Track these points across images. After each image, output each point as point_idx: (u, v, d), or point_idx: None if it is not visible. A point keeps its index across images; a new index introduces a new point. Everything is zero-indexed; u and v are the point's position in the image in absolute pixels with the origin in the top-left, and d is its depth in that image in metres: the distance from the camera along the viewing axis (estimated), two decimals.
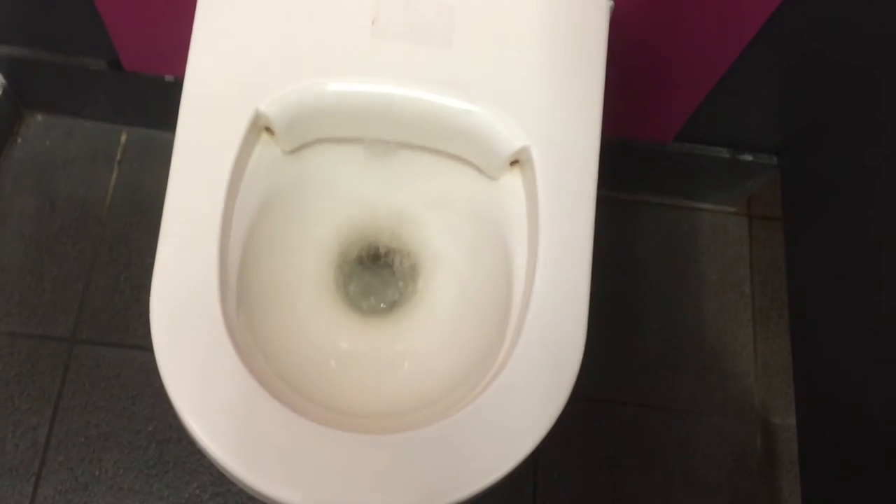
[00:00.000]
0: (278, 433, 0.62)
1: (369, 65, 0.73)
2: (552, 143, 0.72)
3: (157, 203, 0.68)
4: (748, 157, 1.11)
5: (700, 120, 1.03)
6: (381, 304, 0.85)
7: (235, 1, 0.74)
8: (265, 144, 0.75)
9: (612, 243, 1.19)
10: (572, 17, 0.76)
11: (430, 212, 0.82)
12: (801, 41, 0.90)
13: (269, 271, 0.76)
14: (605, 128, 0.74)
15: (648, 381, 1.13)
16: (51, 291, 1.09)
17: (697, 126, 1.04)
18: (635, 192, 1.22)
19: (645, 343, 1.15)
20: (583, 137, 0.73)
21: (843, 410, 0.93)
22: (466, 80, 0.73)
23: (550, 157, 0.72)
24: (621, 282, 1.17)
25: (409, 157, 0.79)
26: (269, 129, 0.74)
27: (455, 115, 0.73)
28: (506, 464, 0.62)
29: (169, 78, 1.05)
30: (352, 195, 0.82)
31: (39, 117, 1.18)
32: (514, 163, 0.75)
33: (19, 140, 1.17)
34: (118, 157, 1.17)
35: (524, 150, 0.72)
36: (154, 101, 1.09)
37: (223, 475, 0.63)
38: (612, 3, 0.78)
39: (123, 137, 1.18)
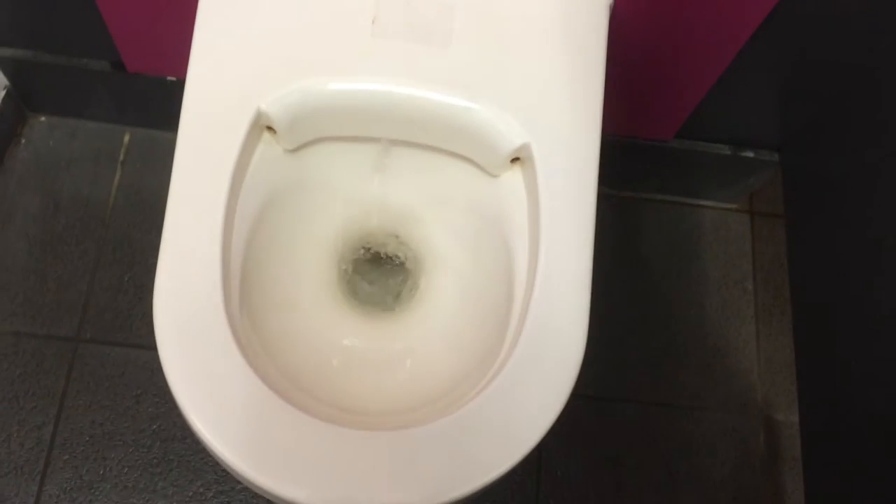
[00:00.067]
0: (284, 432, 0.62)
1: (370, 64, 0.73)
2: (553, 140, 0.72)
3: (160, 203, 0.68)
4: (749, 154, 1.11)
5: (701, 117, 1.03)
6: (383, 303, 0.85)
7: (236, 1, 0.74)
8: (267, 143, 0.75)
9: (614, 241, 1.19)
10: (572, 14, 0.76)
11: (431, 210, 0.83)
12: (801, 39, 0.90)
13: (272, 270, 0.76)
14: (607, 126, 0.74)
15: (651, 378, 1.13)
16: (55, 291, 1.09)
17: (699, 123, 1.04)
18: (637, 190, 1.22)
19: (647, 340, 1.15)
20: (583, 135, 0.73)
21: (846, 407, 0.93)
22: (467, 78, 0.73)
23: (551, 154, 0.72)
24: (623, 279, 1.17)
25: (409, 155, 0.79)
26: (270, 128, 0.74)
27: (456, 112, 0.73)
28: (508, 460, 0.63)
29: (171, 78, 1.06)
30: (353, 193, 0.82)
31: (43, 118, 1.18)
32: (514, 160, 0.75)
33: (23, 141, 1.17)
34: (121, 157, 1.17)
35: (525, 148, 0.72)
36: (156, 102, 1.10)
37: (227, 473, 0.63)
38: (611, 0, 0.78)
39: (126, 138, 1.18)
